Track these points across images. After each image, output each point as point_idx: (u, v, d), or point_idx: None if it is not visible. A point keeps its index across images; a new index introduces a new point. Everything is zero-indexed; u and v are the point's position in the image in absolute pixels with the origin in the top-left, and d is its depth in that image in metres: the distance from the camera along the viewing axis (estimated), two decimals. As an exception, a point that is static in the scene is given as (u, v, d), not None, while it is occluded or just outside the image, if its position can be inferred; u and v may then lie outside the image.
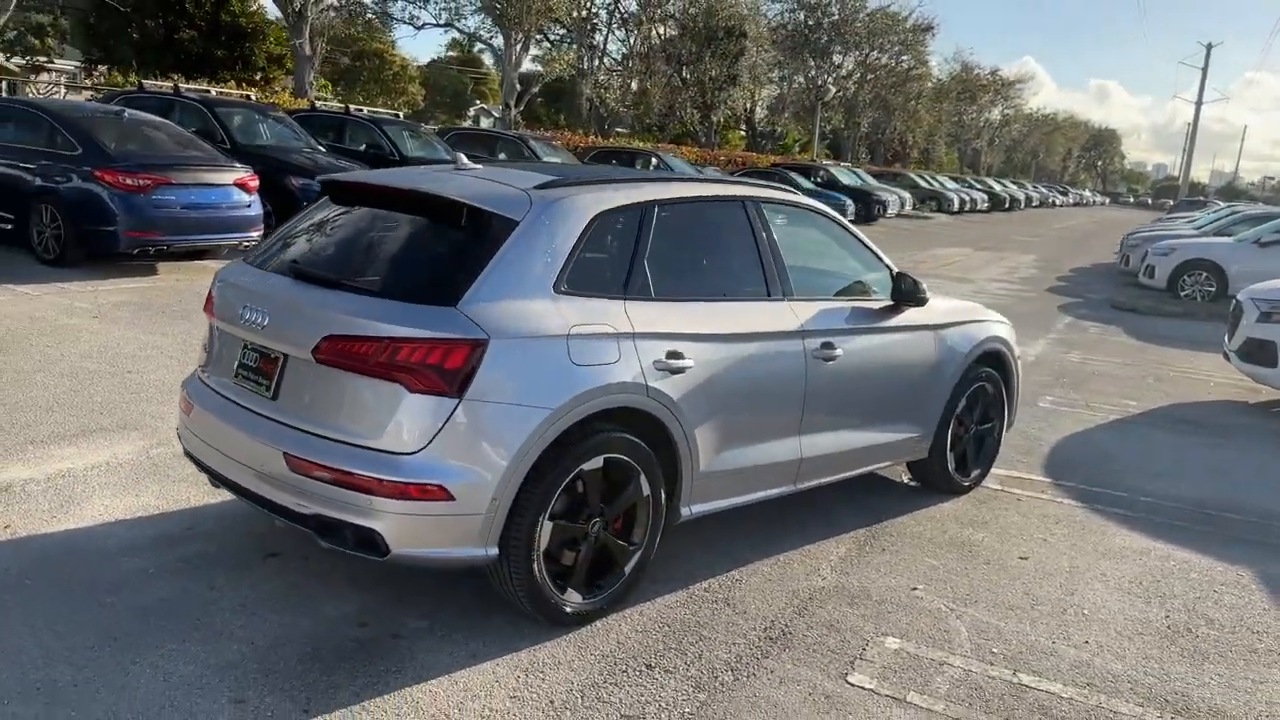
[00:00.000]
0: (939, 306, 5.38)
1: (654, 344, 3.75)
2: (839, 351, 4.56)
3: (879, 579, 4.40)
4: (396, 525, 3.25)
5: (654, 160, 23.20)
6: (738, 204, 4.44)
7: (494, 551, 3.39)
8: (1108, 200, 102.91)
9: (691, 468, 3.97)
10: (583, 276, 3.66)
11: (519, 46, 26.01)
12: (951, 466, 5.52)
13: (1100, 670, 3.72)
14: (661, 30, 34.29)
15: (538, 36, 29.09)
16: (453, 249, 3.58)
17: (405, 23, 29.19)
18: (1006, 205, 52.18)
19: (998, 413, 5.77)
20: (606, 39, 31.38)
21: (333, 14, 20.69)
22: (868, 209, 31.18)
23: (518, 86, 26.87)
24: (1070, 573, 4.65)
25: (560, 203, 3.72)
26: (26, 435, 5.23)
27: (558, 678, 3.34)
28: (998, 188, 54.53)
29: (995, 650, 3.81)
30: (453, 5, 25.56)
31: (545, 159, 18.09)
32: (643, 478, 3.79)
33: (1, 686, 3.01)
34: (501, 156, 18.43)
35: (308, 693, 3.12)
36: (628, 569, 3.84)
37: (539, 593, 3.53)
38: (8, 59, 36.78)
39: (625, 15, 32.19)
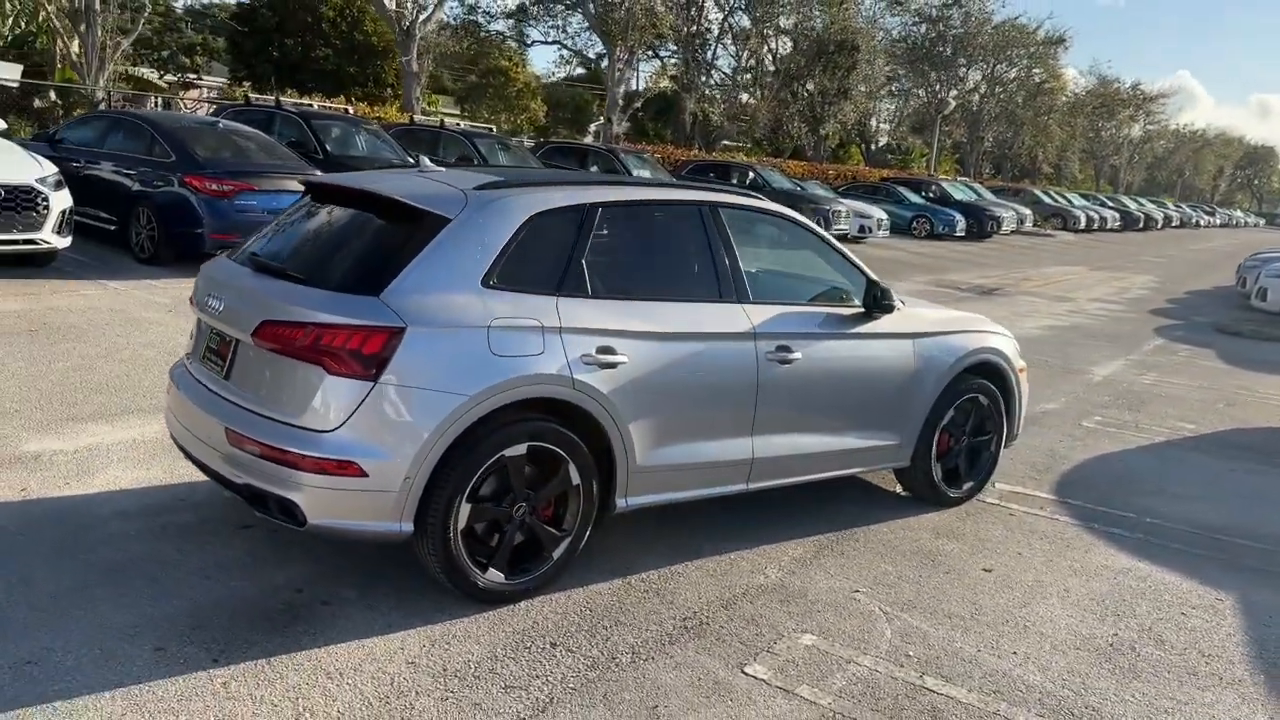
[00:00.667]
0: (923, 315, 5.37)
1: (583, 339, 3.91)
2: (797, 355, 4.61)
3: (823, 580, 4.43)
4: (313, 498, 3.51)
5: (750, 174, 23.26)
6: (693, 208, 4.56)
7: (408, 528, 3.62)
8: (1263, 221, 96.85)
9: (627, 461, 4.11)
10: (515, 272, 3.86)
11: (623, 62, 26.50)
12: (938, 477, 5.47)
13: (1015, 680, 3.68)
14: (773, 45, 34.28)
15: (645, 52, 29.55)
16: (388, 244, 3.84)
17: (515, 40, 29.89)
18: (1141, 225, 49.89)
19: (994, 426, 5.69)
20: (714, 53, 31.59)
21: (440, 33, 21.49)
22: (980, 225, 30.41)
23: (620, 101, 27.38)
24: (1031, 587, 4.57)
25: (495, 202, 3.94)
26: (71, 412, 5.75)
27: (460, 649, 3.53)
28: (1132, 206, 52.19)
29: (911, 654, 3.81)
30: (560, 22, 26.24)
31: (635, 171, 18.43)
32: (571, 466, 3.95)
33: (-37, 622, 3.40)
34: (594, 169, 18.84)
35: (223, 646, 3.40)
36: (555, 554, 4.01)
37: (457, 570, 3.74)
38: (160, 76, 39.51)
39: (736, 31, 32.31)
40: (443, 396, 3.58)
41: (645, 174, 18.91)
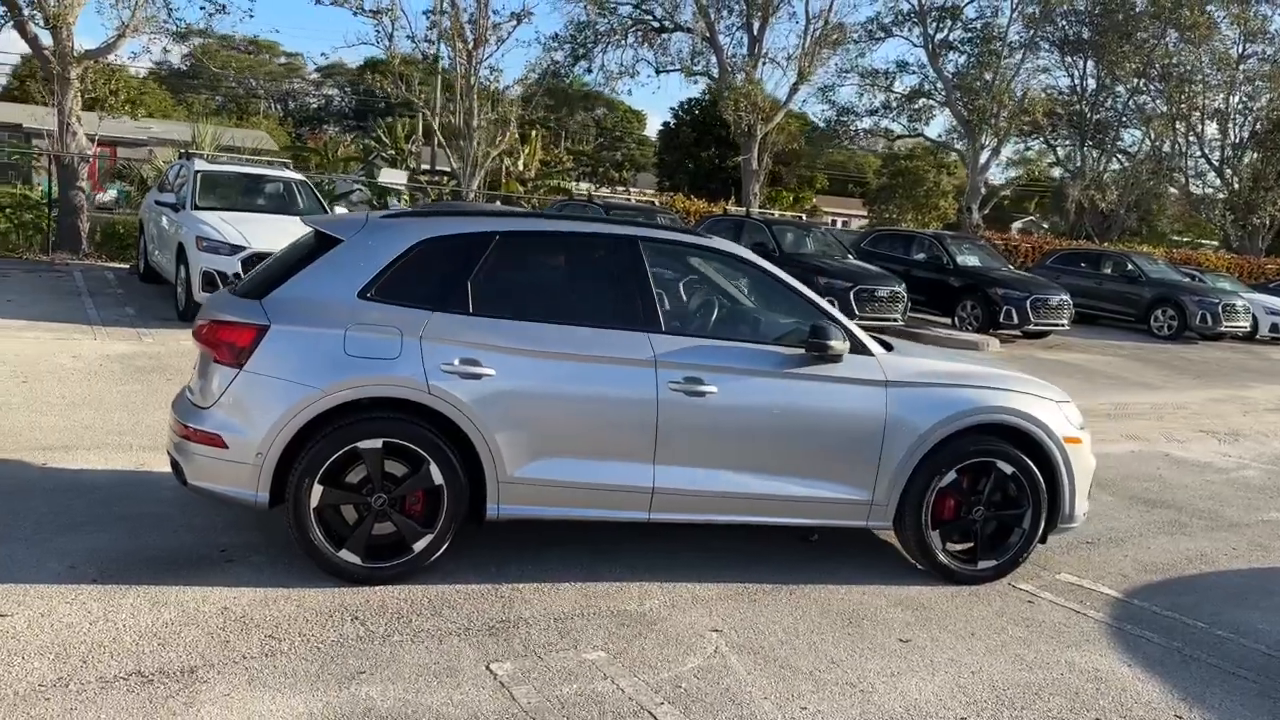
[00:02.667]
0: (911, 363, 4.97)
1: (446, 350, 4.30)
2: (712, 389, 4.56)
3: (692, 617, 4.28)
4: (192, 463, 4.27)
5: (1128, 264, 21.02)
6: (605, 240, 4.76)
7: (264, 498, 4.22)
8: None
9: (495, 470, 4.38)
10: (396, 287, 4.39)
11: (988, 150, 25.43)
12: (936, 546, 4.93)
13: (766, 729, 3.36)
14: (1199, 129, 30.79)
15: (1015, 137, 28.04)
16: (297, 261, 4.56)
17: (872, 133, 29.93)
18: None
19: (1030, 500, 4.98)
20: (1115, 138, 29.02)
21: (778, 135, 22.48)
22: None
23: (982, 190, 26.19)
24: (932, 663, 4.02)
25: (385, 228, 4.52)
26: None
27: (270, 609, 4.00)
28: None
29: (685, 686, 3.62)
30: (914, 109, 25.87)
31: (958, 259, 17.79)
32: (433, 466, 4.32)
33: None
34: (918, 256, 18.44)
35: (120, 575, 4.20)
36: (416, 547, 4.36)
37: (311, 543, 4.25)
38: (596, 188, 45.10)
39: (1150, 113, 29.50)
40: (294, 386, 4.18)
41: (973, 262, 18.08)
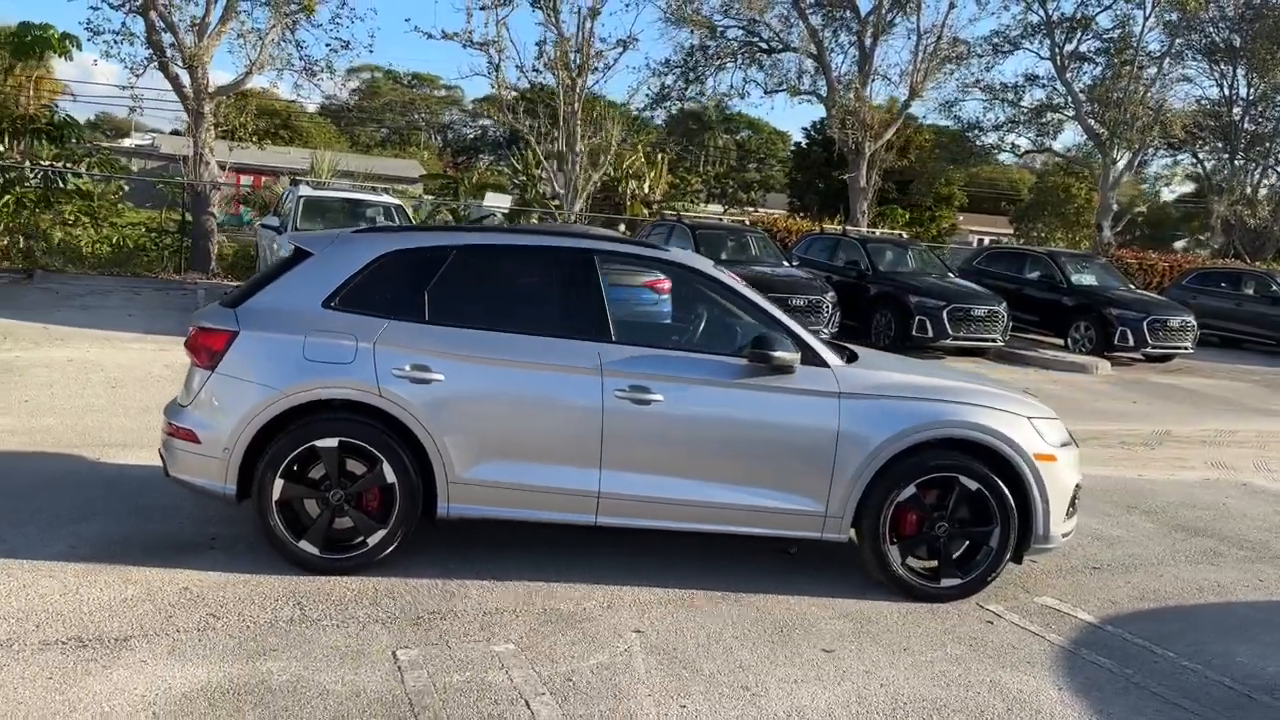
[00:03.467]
0: (870, 375, 4.95)
1: (399, 356, 4.58)
2: (658, 397, 4.68)
3: (619, 618, 4.39)
4: (173, 457, 4.70)
5: (1272, 284, 19.54)
6: (562, 254, 4.94)
7: (231, 489, 4.59)
8: None
9: (445, 470, 4.63)
10: (359, 297, 4.71)
11: (1120, 165, 24.11)
12: (895, 562, 4.86)
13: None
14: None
15: (1155, 150, 26.44)
16: (275, 273, 4.94)
17: (1003, 150, 28.77)
18: None
19: (998, 518, 4.85)
20: (1272, 150, 26.92)
21: (888, 151, 22.00)
22: None
23: (1114, 207, 24.81)
24: (849, 676, 4.00)
25: (353, 243, 4.85)
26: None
27: (225, 591, 4.34)
28: None
29: (576, 681, 3.75)
30: (1042, 123, 24.78)
31: (1072, 278, 17.06)
32: (386, 466, 4.60)
33: None
34: (1033, 275, 17.75)
35: (111, 556, 4.64)
36: (370, 542, 4.64)
37: (272, 533, 4.59)
38: (725, 210, 45.33)
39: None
40: (256, 388, 4.55)
41: (1089, 281, 17.27)
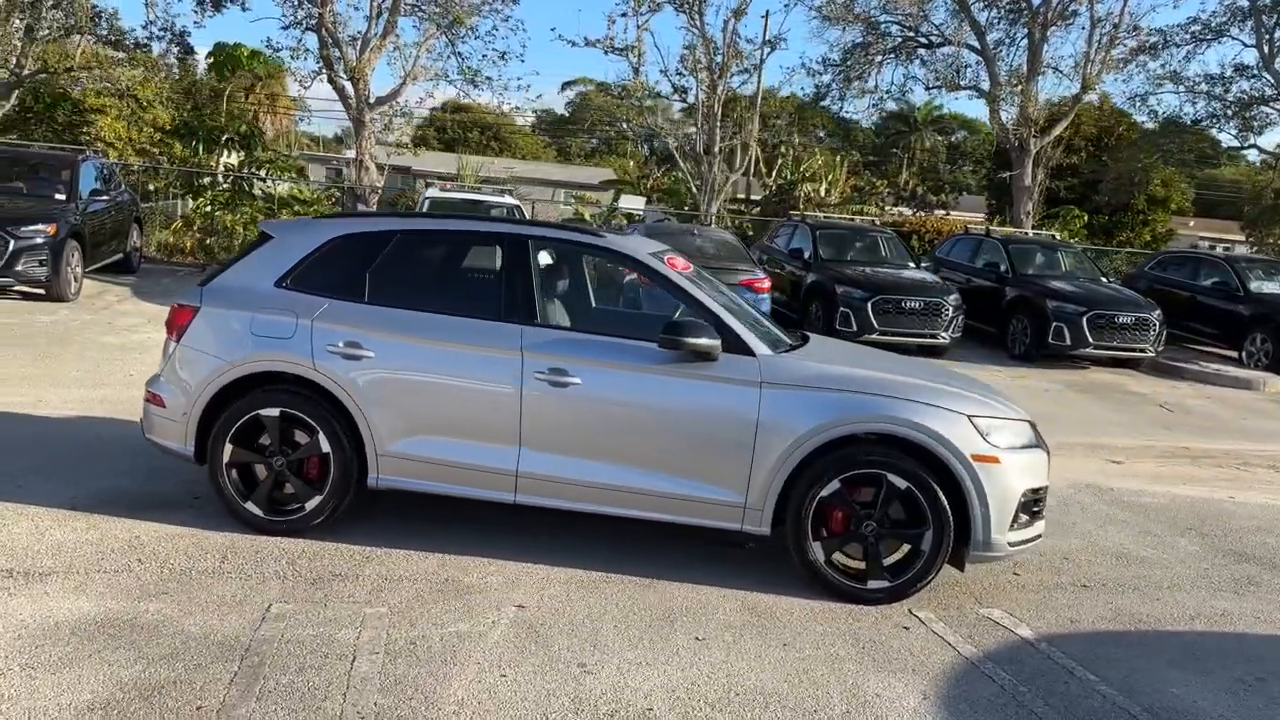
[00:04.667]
0: (800, 366, 4.83)
1: (333, 332, 4.88)
2: (576, 380, 4.75)
3: (510, 594, 4.48)
4: (147, 419, 5.19)
5: None
6: (496, 239, 5.08)
7: (190, 450, 5.03)
8: None
9: (373, 443, 4.88)
10: (308, 278, 5.05)
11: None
12: (819, 559, 4.69)
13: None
14: None
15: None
16: (241, 255, 5.35)
17: (1237, 148, 26.06)
18: None
19: (932, 521, 4.60)
20: None
21: (1055, 148, 20.54)
22: None
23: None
24: (697, 664, 3.94)
25: (309, 227, 5.21)
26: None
27: (169, 542, 4.74)
28: None
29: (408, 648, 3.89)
30: (1247, 116, 22.17)
31: (1252, 286, 15.50)
32: (321, 436, 4.91)
33: None
34: (1208, 282, 16.22)
35: (100, 508, 5.18)
36: (308, 506, 4.95)
37: (222, 494, 4.99)
38: (914, 211, 43.95)
39: None
40: (210, 359, 4.96)
41: (1271, 289, 15.57)
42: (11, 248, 10.89)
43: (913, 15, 21.28)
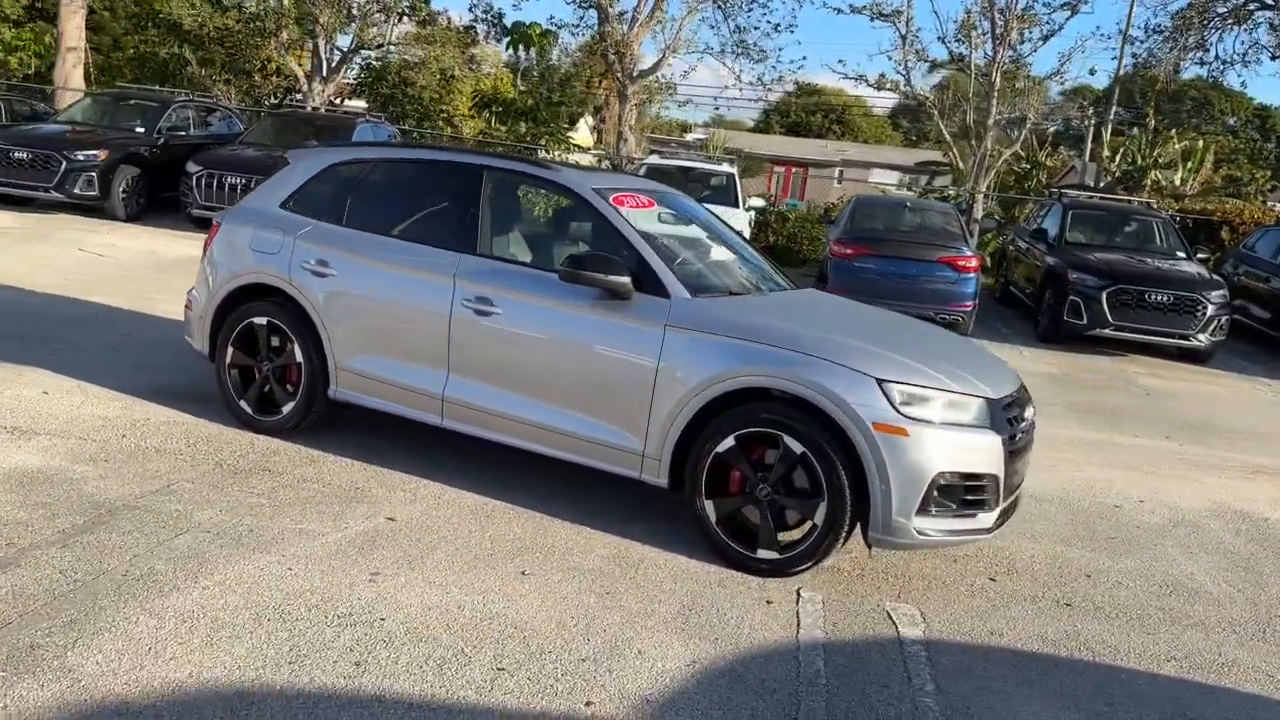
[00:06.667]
0: (716, 310, 4.51)
1: (310, 251, 5.26)
2: (498, 311, 4.77)
3: (401, 511, 4.59)
4: (187, 321, 5.87)
5: None
6: (457, 169, 5.16)
7: (205, 348, 5.64)
8: None
9: (333, 356, 5.22)
10: (304, 201, 5.47)
11: None
12: (710, 518, 4.36)
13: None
14: None
15: None
16: (265, 180, 5.86)
17: None
18: None
19: (826, 492, 4.12)
20: None
21: None
22: None
23: None
24: (482, 591, 3.84)
25: (312, 154, 5.60)
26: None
27: (167, 428, 5.33)
28: None
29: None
30: None
31: None
32: (295, 346, 5.32)
33: None
34: None
35: (141, 393, 5.97)
36: (284, 410, 5.38)
37: (225, 391, 5.55)
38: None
39: None
40: (221, 270, 5.54)
41: None
42: (64, 168, 12.68)
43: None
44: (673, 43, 17.79)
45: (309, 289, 5.21)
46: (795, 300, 5.32)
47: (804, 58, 36.16)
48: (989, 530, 4.27)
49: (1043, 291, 12.54)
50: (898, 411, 4.05)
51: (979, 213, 17.42)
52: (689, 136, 51.85)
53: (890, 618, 4.03)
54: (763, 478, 4.25)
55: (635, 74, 18.12)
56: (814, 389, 4.11)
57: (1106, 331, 11.48)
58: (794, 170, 47.99)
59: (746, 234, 12.61)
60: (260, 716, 2.85)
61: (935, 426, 4.07)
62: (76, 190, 12.89)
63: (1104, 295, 11.46)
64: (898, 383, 4.11)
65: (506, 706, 3.04)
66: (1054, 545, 5.17)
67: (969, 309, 11.37)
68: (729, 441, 4.28)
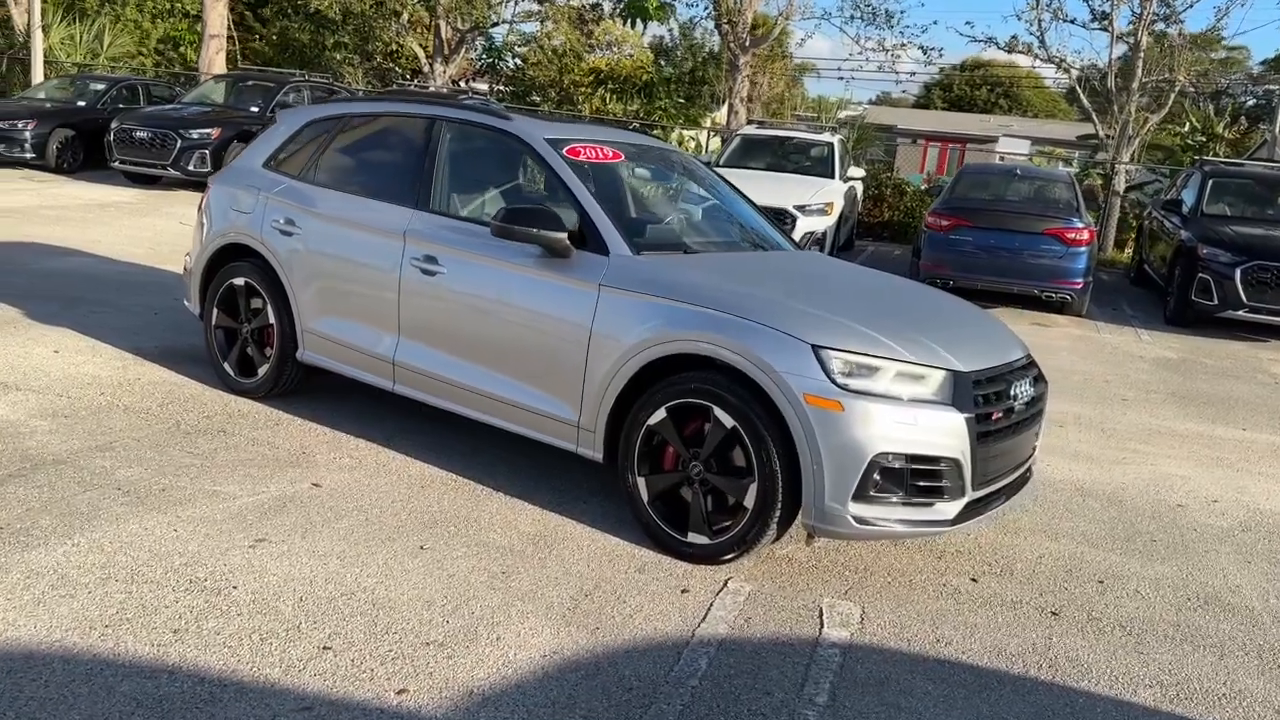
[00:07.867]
0: (661, 270, 4.13)
1: (279, 209, 5.14)
2: (442, 270, 4.51)
3: (337, 477, 4.41)
4: (182, 281, 5.88)
5: None
6: (416, 121, 4.90)
7: (196, 309, 5.62)
8: None
9: (299, 318, 5.08)
10: (284, 159, 5.37)
11: None
12: (641, 496, 3.96)
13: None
14: None
15: None
16: (254, 140, 5.77)
17: None
18: None
19: (759, 474, 3.66)
20: None
21: None
22: None
23: None
24: (325, 557, 3.58)
25: (290, 113, 5.48)
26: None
27: (157, 388, 5.36)
28: None
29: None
30: None
31: None
32: (269, 307, 5.22)
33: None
34: None
35: (147, 353, 6.05)
36: (260, 372, 5.29)
37: (211, 347, 5.51)
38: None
39: None
40: (207, 229, 5.50)
41: None
42: (179, 146, 13.36)
43: None
44: (786, 9, 17.10)
45: (278, 249, 5.09)
46: (775, 262, 4.81)
47: (934, 21, 34.10)
48: (951, 523, 3.69)
49: (1173, 269, 11.30)
50: (833, 382, 3.53)
51: (1121, 185, 15.97)
52: (842, 114, 50.32)
53: (820, 616, 3.53)
54: (695, 454, 3.82)
55: (747, 43, 17.50)
56: (743, 355, 3.65)
57: (1240, 313, 10.21)
58: (949, 146, 45.86)
59: (839, 206, 11.87)
60: (38, 680, 2.68)
61: (878, 400, 3.53)
62: (190, 167, 13.45)
63: (1238, 273, 10.18)
64: (837, 350, 3.58)
65: (305, 689, 2.76)
66: (1076, 545, 4.50)
67: (1079, 287, 10.36)
68: (660, 414, 3.87)
